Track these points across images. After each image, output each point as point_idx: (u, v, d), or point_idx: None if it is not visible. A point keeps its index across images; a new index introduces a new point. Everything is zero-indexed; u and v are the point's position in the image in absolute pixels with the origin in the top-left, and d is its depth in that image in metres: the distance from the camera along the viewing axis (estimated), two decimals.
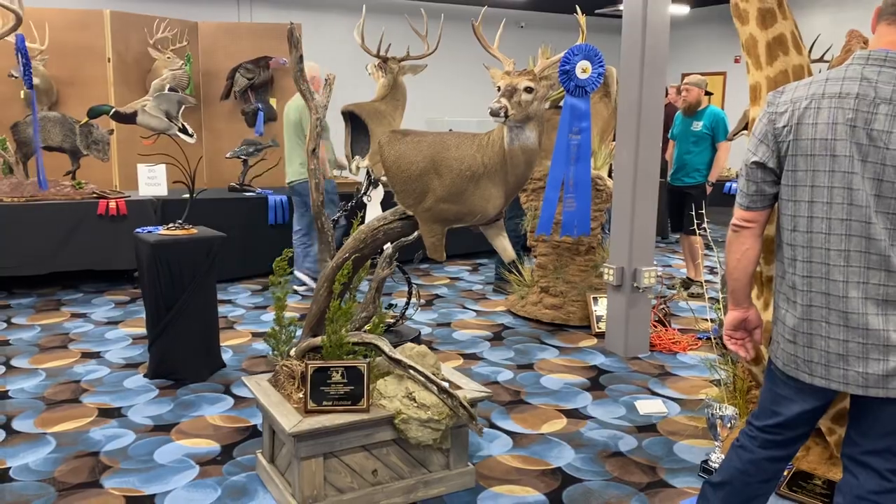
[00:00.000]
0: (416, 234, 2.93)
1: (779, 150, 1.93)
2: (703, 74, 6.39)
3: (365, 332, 2.96)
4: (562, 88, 2.93)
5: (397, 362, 2.79)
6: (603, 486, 3.02)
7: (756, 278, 2.82)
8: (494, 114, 2.39)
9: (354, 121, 4.61)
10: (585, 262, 5.27)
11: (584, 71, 2.54)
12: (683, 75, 11.29)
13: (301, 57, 2.89)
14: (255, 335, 5.00)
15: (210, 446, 3.34)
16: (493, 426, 3.57)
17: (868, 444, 1.99)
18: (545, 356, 4.63)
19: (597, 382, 4.19)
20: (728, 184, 8.35)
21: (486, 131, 2.63)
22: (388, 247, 2.98)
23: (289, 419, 2.66)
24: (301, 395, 2.79)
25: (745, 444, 2.20)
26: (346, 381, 2.72)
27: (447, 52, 4.83)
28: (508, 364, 4.47)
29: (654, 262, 4.67)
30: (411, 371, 2.77)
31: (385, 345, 2.82)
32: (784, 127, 1.91)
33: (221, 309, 5.00)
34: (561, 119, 2.69)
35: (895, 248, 1.82)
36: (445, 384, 2.80)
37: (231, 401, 3.86)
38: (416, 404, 2.73)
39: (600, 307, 5.09)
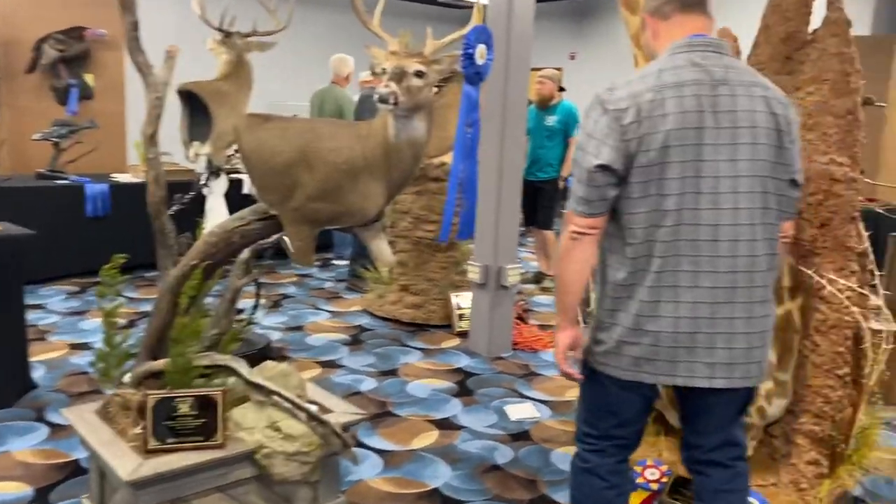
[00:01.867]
0: (277, 236, 2.54)
1: (626, 149, 1.80)
2: (535, 70, 6.35)
3: (217, 352, 2.53)
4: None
5: (258, 387, 2.40)
6: None
7: None
8: (383, 100, 2.06)
9: (192, 102, 4.07)
10: (446, 258, 5.05)
11: (480, 56, 2.29)
12: None
13: (136, 23, 2.40)
14: (74, 347, 4.32)
15: (21, 490, 2.76)
16: (360, 444, 3.25)
17: (709, 441, 2.04)
18: (409, 360, 4.36)
19: (464, 387, 3.98)
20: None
21: (366, 120, 2.29)
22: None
23: (125, 462, 2.19)
24: (139, 430, 2.32)
25: (595, 461, 2.07)
26: (195, 412, 2.28)
27: (291, 32, 4.39)
28: (370, 371, 4.16)
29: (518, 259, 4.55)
30: (275, 397, 2.39)
31: (242, 367, 2.41)
32: (631, 123, 1.79)
33: (30, 316, 4.27)
34: (460, 109, 2.41)
35: (755, 229, 1.83)
36: (314, 408, 2.45)
37: (45, 430, 3.25)
38: (281, 435, 2.36)
39: (462, 304, 4.89)
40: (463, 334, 4.78)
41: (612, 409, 2.02)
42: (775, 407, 3.01)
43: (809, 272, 2.87)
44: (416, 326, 4.97)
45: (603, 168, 1.80)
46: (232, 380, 2.46)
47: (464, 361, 4.39)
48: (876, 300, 2.96)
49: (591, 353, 1.99)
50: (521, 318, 5.00)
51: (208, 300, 2.55)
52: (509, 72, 4.19)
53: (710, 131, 1.79)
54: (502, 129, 4.22)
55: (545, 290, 6.12)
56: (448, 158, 4.48)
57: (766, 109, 1.83)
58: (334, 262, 6.82)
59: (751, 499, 2.83)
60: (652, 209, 1.82)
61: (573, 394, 3.93)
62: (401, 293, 5.07)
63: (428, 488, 2.91)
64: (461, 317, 4.87)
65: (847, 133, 2.91)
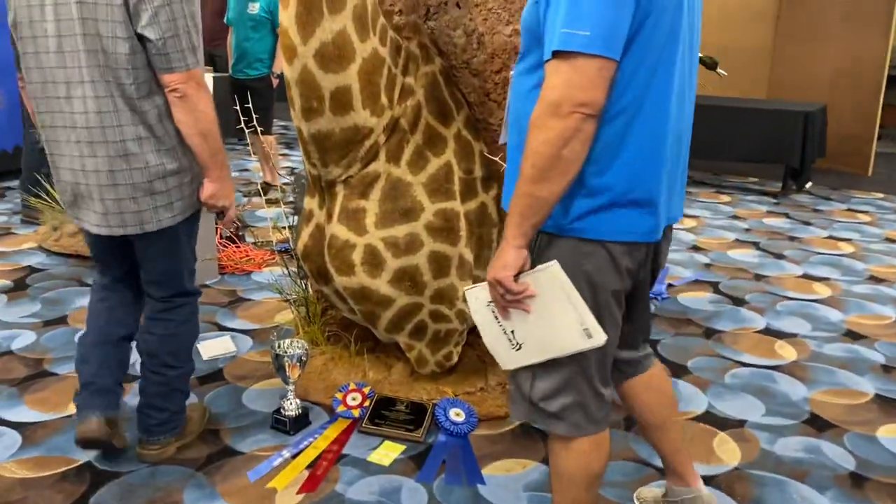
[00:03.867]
0: None
1: None
2: None
3: None
4: None
5: None
6: (147, 476, 2.30)
7: None
8: None
9: None
10: None
11: None
12: None
13: None
14: None
15: None
16: None
17: (145, 275, 2.29)
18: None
19: None
20: None
21: None
22: None
23: None
24: None
25: (95, 279, 2.43)
26: None
27: None
28: (32, 322, 3.39)
29: None
30: None
31: None
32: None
33: None
34: None
35: (84, 87, 1.98)
36: None
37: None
38: None
39: None
40: None
41: (90, 246, 2.34)
42: None
43: (497, 159, 2.61)
44: None
45: None
46: None
47: None
48: None
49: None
50: (232, 238, 4.44)
51: None
52: None
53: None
54: None
55: (272, 203, 5.57)
56: None
57: None
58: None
59: (456, 409, 2.62)
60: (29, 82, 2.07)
61: (283, 317, 3.51)
62: None
63: (76, 464, 2.34)
64: None
65: None
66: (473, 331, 2.88)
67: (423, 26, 2.67)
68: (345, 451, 2.46)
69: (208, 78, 4.14)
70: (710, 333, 3.45)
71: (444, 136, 2.61)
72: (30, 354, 3.08)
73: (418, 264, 2.55)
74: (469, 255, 2.65)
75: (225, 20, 5.61)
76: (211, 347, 3.15)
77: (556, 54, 1.33)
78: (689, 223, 5.40)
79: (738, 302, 3.87)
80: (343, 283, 2.52)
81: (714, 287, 4.07)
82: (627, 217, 1.49)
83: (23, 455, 2.39)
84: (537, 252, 1.53)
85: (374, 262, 2.49)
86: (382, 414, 2.61)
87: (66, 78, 1.97)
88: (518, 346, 1.57)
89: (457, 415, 2.59)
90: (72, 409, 2.65)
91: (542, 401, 1.59)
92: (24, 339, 3.21)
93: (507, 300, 1.50)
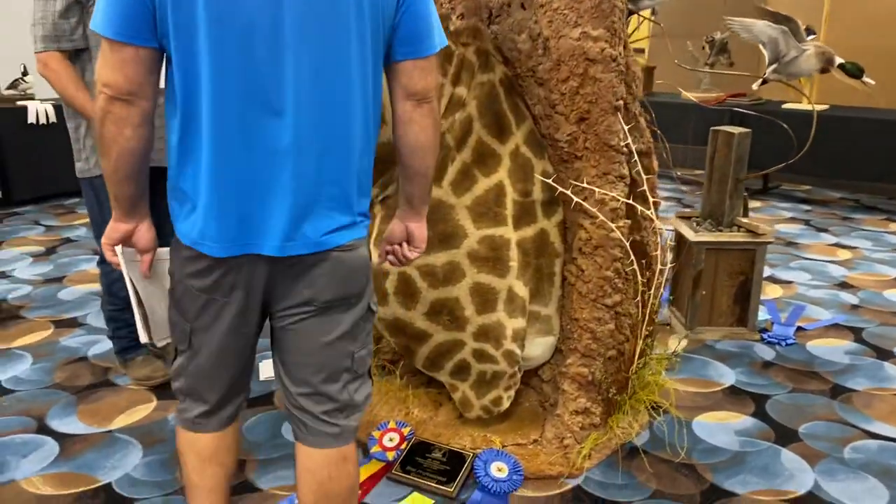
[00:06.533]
0: None
1: None
2: None
3: None
4: None
5: None
6: None
7: None
8: None
9: None
10: None
11: None
12: None
13: None
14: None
15: None
16: (43, 430, 2.59)
17: None
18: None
19: None
20: None
21: None
22: None
23: None
24: None
25: None
26: None
27: None
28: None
29: None
30: None
31: None
32: None
33: None
34: None
35: None
36: None
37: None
38: None
39: None
40: None
41: None
42: (537, 346, 2.46)
43: (550, 182, 2.27)
44: None
45: None
46: None
47: None
48: (647, 211, 2.39)
49: None
50: None
51: None
52: None
53: None
54: None
55: None
56: None
57: None
58: None
59: (499, 462, 2.32)
60: None
61: None
62: None
63: (96, 484, 2.28)
64: None
65: None
66: (532, 373, 2.56)
67: (486, 31, 2.40)
68: (368, 499, 2.23)
69: None
70: (837, 392, 2.87)
71: (499, 153, 2.32)
72: (102, 362, 3.11)
73: (458, 297, 2.27)
74: (521, 289, 2.33)
75: None
76: (268, 368, 3.04)
77: None
78: (844, 254, 4.67)
79: (884, 354, 3.21)
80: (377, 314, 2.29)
81: (856, 334, 3.43)
82: (200, 221, 1.43)
83: (52, 470, 2.36)
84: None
85: (407, 291, 2.25)
86: (416, 461, 2.35)
87: None
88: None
89: (499, 470, 2.28)
90: (115, 423, 2.63)
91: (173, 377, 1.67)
92: (101, 347, 3.25)
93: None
